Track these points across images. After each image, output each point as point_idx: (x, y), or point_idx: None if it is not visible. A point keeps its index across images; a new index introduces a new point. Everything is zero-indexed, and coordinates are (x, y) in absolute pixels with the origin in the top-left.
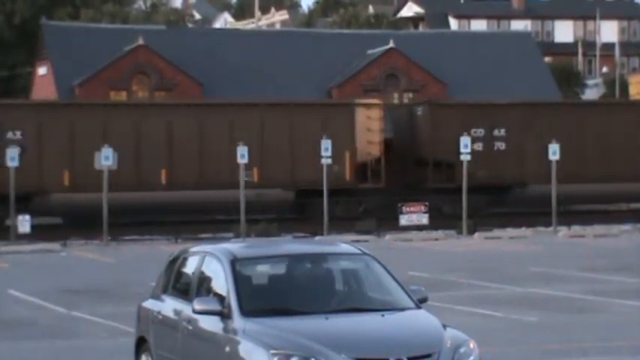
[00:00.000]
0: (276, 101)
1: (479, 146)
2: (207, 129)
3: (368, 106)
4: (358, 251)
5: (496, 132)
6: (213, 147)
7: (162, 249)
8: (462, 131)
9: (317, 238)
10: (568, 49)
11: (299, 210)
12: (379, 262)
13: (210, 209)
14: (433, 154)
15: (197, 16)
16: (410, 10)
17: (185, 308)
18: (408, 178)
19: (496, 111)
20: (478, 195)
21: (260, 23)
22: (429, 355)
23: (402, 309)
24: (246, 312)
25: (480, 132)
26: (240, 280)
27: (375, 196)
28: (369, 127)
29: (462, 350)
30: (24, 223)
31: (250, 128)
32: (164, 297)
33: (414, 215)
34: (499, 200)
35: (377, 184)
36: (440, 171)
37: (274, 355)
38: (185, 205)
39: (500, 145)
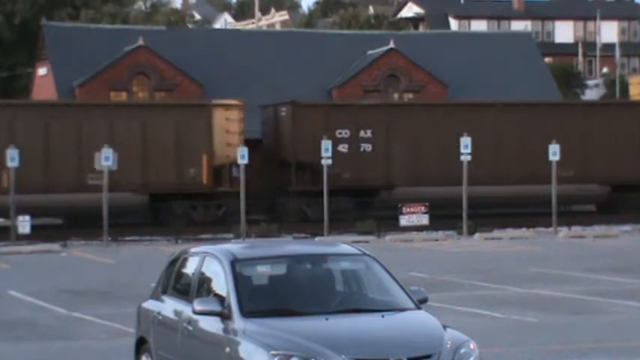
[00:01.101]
0: (128, 102)
1: (344, 148)
2: (53, 130)
3: (227, 107)
4: (358, 252)
5: (362, 133)
6: (59, 149)
7: (162, 250)
8: (326, 133)
9: (317, 238)
10: (568, 50)
11: (153, 214)
12: (379, 263)
13: (58, 213)
14: (295, 156)
15: (197, 16)
16: (410, 10)
17: (185, 309)
18: (272, 181)
19: (362, 112)
20: (344, 198)
21: (260, 24)
22: (429, 356)
23: (402, 310)
24: (247, 313)
25: (346, 133)
26: (240, 281)
27: (234, 199)
28: (228, 128)
29: (462, 351)
30: (24, 224)
31: (99, 129)
32: (164, 297)
33: (414, 216)
34: (366, 203)
35: (236, 188)
36: (304, 174)
37: (274, 355)
38: (32, 209)
39: (367, 147)
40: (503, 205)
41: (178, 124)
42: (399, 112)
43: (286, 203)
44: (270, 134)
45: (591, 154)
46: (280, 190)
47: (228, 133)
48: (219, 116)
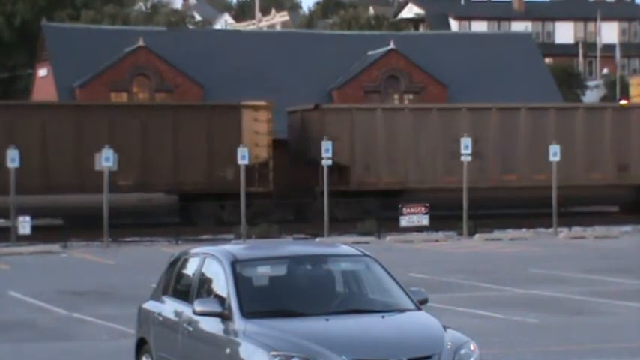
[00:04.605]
0: None
1: None
2: None
3: None
4: (358, 252)
5: None
6: None
7: (163, 250)
8: None
9: (317, 239)
10: (568, 51)
11: None
12: (379, 264)
13: None
14: None
15: (197, 17)
16: (410, 11)
17: (185, 309)
18: None
19: None
20: None
21: (260, 24)
22: (429, 357)
23: (403, 310)
24: (247, 313)
25: None
26: (240, 282)
27: None
28: None
29: (462, 351)
30: (24, 225)
31: None
32: (165, 298)
33: (414, 216)
34: None
35: None
36: None
37: (275, 356)
38: None
39: None
40: (53, 216)
41: None
42: None
43: None
44: None
45: (154, 161)
46: None
47: None
48: None
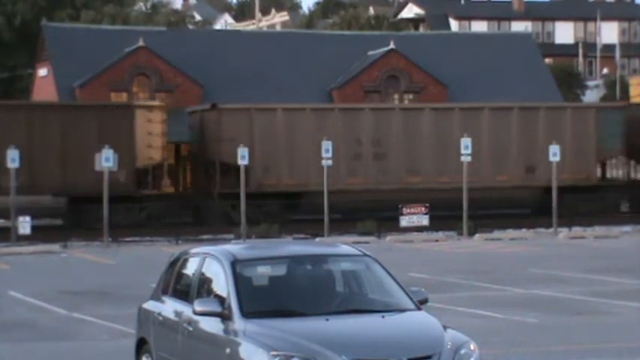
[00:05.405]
0: None
1: None
2: None
3: None
4: (359, 252)
5: None
6: None
7: (163, 250)
8: None
9: (317, 239)
10: (568, 51)
11: None
12: (379, 264)
13: None
14: None
15: (197, 17)
16: (410, 11)
17: (186, 309)
18: None
19: None
20: None
21: (260, 24)
22: (429, 357)
23: (403, 310)
24: (247, 313)
25: None
26: (240, 282)
27: None
28: None
29: (462, 352)
30: (24, 225)
31: None
32: (165, 298)
33: (414, 216)
34: None
35: None
36: None
37: (275, 356)
38: None
39: None
40: None
41: None
42: None
43: None
44: None
45: (41, 163)
46: None
47: None
48: None
